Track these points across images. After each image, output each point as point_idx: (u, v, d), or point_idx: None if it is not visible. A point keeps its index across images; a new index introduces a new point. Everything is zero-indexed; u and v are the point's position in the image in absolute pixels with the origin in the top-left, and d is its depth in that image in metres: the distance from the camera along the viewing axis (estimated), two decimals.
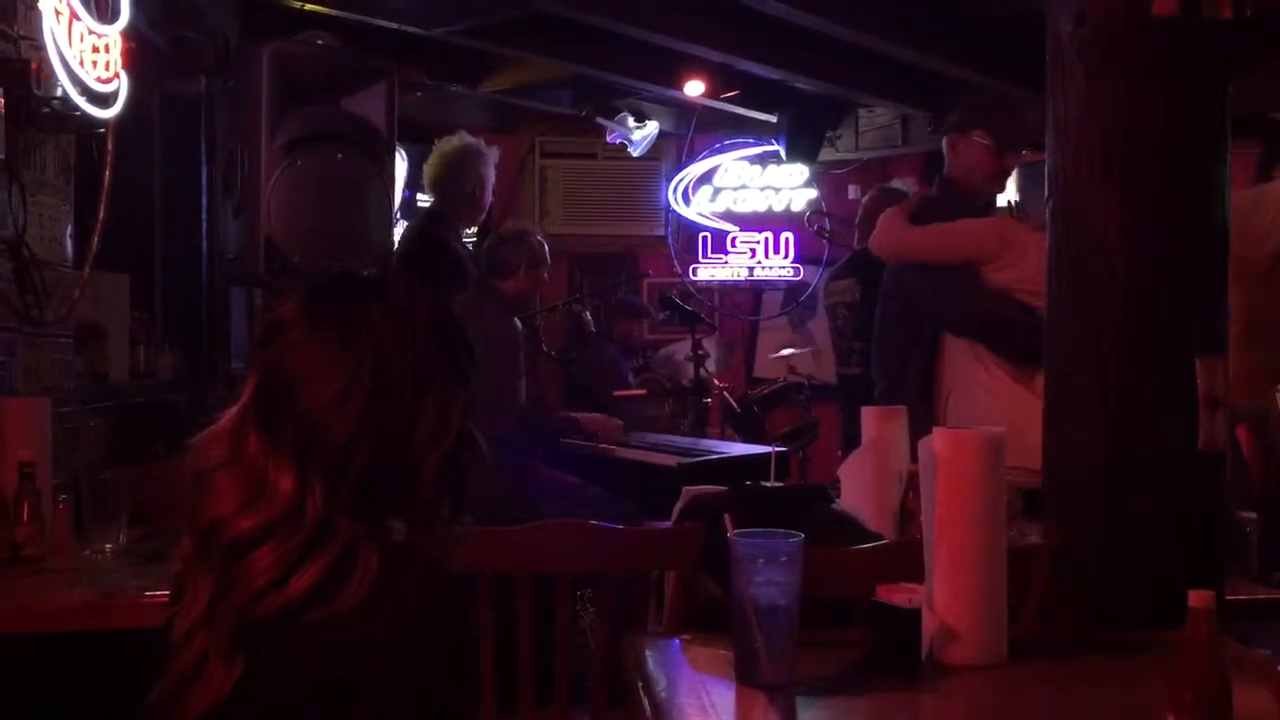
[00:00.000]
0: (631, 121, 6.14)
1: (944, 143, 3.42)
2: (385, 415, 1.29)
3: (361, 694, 1.21)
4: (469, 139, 4.39)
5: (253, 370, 1.33)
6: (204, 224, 3.91)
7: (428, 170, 4.36)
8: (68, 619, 2.14)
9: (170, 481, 1.45)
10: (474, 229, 5.84)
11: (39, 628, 2.15)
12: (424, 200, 5.01)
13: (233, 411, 1.32)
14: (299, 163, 3.12)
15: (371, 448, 1.28)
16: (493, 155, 4.39)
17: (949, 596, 1.65)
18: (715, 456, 4.09)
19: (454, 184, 4.27)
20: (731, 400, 5.53)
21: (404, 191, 5.23)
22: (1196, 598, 1.17)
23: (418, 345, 1.32)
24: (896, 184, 4.79)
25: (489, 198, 4.41)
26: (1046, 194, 2.24)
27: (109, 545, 2.40)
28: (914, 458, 1.96)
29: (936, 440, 1.68)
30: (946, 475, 1.66)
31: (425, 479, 1.32)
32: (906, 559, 1.77)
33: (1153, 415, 2.05)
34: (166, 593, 1.39)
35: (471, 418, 1.36)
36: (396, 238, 4.19)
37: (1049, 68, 2.20)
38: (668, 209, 6.82)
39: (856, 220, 4.68)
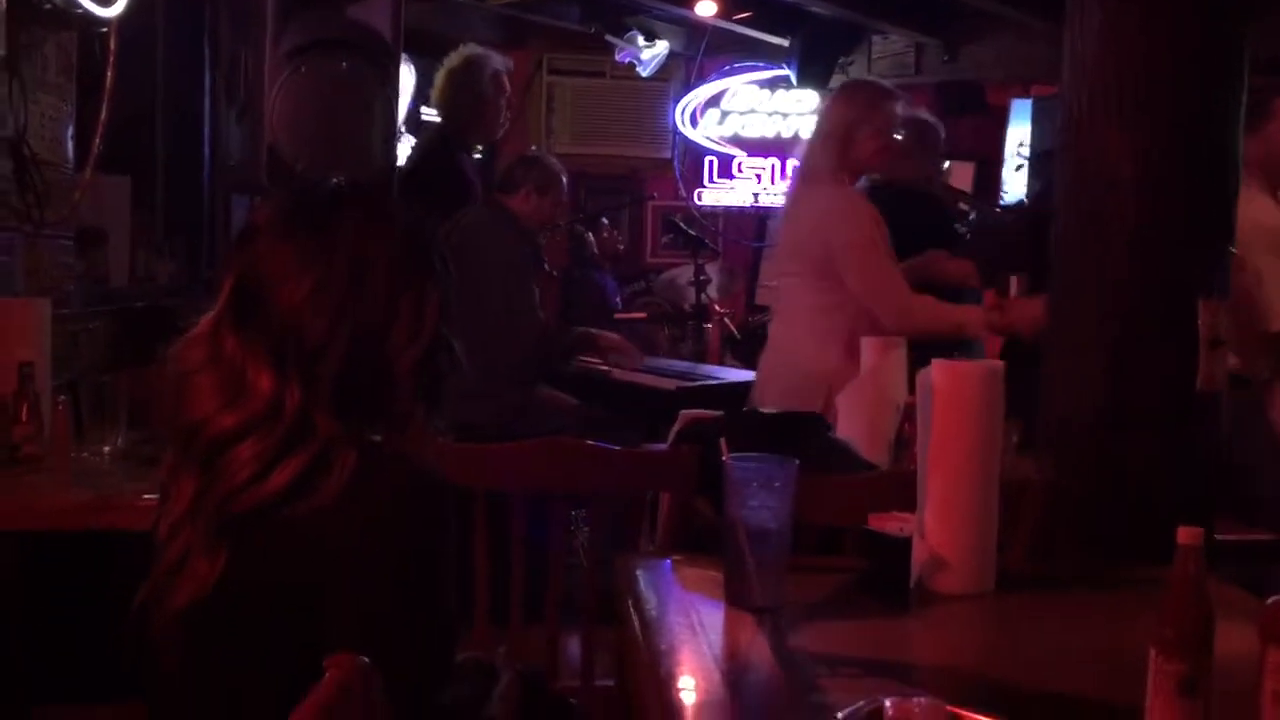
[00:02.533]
0: (641, 40, 6.04)
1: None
2: (359, 313, 1.31)
3: (339, 588, 1.24)
4: (474, 52, 4.28)
5: (228, 273, 1.35)
6: (206, 129, 3.86)
7: (434, 89, 4.30)
8: (65, 518, 2.16)
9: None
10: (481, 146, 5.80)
11: (36, 525, 2.17)
12: (429, 113, 4.96)
13: (209, 316, 1.34)
14: (303, 69, 3.08)
15: (346, 346, 1.30)
16: (496, 66, 4.22)
17: (940, 526, 1.66)
18: (714, 381, 4.09)
19: (457, 99, 4.20)
20: (732, 326, 5.52)
21: (410, 103, 5.17)
22: (1185, 534, 1.17)
23: (391, 246, 1.34)
24: (921, 114, 4.72)
25: (499, 111, 4.30)
26: (1059, 129, 2.22)
27: (107, 448, 2.41)
28: (913, 388, 1.96)
29: (934, 371, 1.68)
30: (943, 406, 1.66)
31: (401, 380, 1.34)
32: (899, 488, 1.78)
33: (1153, 354, 2.05)
34: None
35: (447, 322, 1.37)
36: (401, 150, 4.16)
37: (1068, 3, 2.17)
38: (675, 131, 6.75)
39: None
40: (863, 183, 4.60)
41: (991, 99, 6.35)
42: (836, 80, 6.32)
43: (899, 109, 3.17)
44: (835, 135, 3.06)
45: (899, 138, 3.18)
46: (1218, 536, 1.99)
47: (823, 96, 6.54)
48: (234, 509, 1.27)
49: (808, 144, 3.19)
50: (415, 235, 1.38)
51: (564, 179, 3.96)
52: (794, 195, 3.19)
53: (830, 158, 3.05)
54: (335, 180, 1.40)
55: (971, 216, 4.84)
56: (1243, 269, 2.97)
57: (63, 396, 2.46)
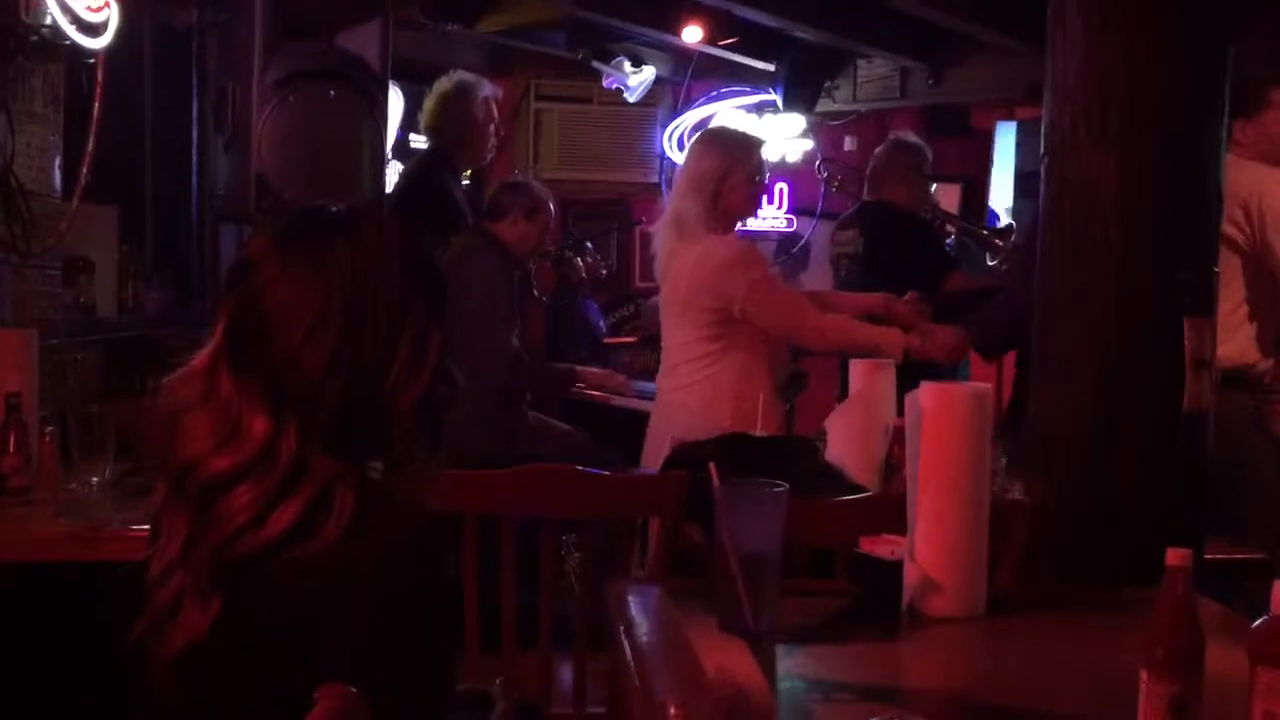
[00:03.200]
0: (628, 66, 6.07)
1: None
2: (359, 351, 1.28)
3: (338, 633, 1.22)
4: (464, 78, 4.33)
5: (223, 310, 1.31)
6: (194, 158, 3.87)
7: (423, 114, 4.35)
8: (54, 549, 2.15)
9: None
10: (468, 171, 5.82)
11: (25, 557, 2.16)
12: (417, 141, 4.98)
13: (205, 352, 1.31)
14: (291, 99, 3.08)
15: (345, 385, 1.27)
16: (486, 92, 4.30)
17: (930, 549, 1.66)
18: None
19: (446, 125, 4.24)
20: None
21: (398, 131, 5.19)
22: (1174, 555, 1.18)
23: (390, 280, 1.30)
24: (909, 136, 4.76)
25: (488, 137, 4.33)
26: (1042, 151, 2.23)
27: (95, 478, 2.39)
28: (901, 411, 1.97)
29: (923, 394, 1.69)
30: (931, 428, 1.66)
31: (401, 416, 1.31)
32: (890, 511, 1.79)
33: (1140, 375, 2.06)
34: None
35: (449, 355, 1.35)
36: (390, 178, 4.18)
37: (1049, 24, 2.19)
38: (663, 156, 6.77)
39: (867, 171, 4.65)
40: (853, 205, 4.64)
41: (976, 122, 6.40)
42: (823, 104, 6.38)
43: (762, 154, 3.24)
44: (705, 185, 3.06)
45: (763, 183, 3.23)
46: (1207, 556, 1.99)
47: (810, 123, 6.61)
48: (229, 555, 1.24)
49: (675, 195, 3.17)
50: (417, 266, 1.34)
51: (551, 203, 3.97)
52: (670, 249, 3.15)
53: (702, 207, 3.05)
54: (334, 209, 1.36)
55: (950, 239, 4.87)
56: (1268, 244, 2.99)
57: (50, 427, 2.45)
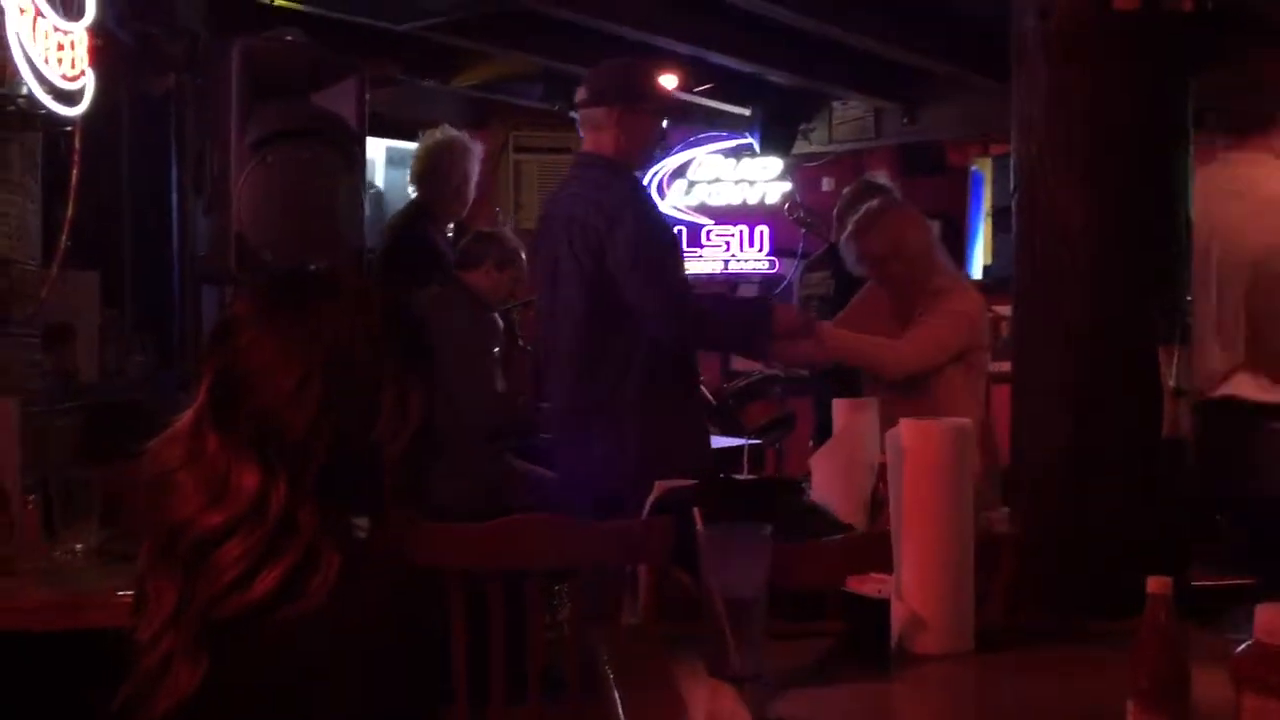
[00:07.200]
0: None
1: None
2: (343, 407, 1.29)
3: (325, 692, 1.22)
4: (452, 133, 4.43)
5: (206, 370, 1.32)
6: (174, 221, 3.89)
7: (412, 164, 4.42)
8: (39, 618, 2.13)
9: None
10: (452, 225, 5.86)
11: (9, 626, 2.14)
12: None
13: (188, 414, 1.31)
14: (269, 159, 3.10)
15: (330, 441, 1.28)
16: (477, 149, 4.42)
17: (916, 586, 1.66)
18: None
19: (437, 178, 4.31)
20: (706, 393, 5.52)
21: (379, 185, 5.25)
22: (1154, 583, 1.18)
23: (372, 336, 1.32)
24: (878, 177, 4.80)
25: (472, 192, 4.43)
26: (1013, 186, 2.26)
27: (79, 546, 2.38)
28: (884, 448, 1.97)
29: (904, 431, 1.69)
30: (913, 465, 1.67)
31: (387, 471, 1.32)
32: (876, 549, 1.78)
33: (1117, 404, 2.07)
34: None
35: (430, 409, 1.36)
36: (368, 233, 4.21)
37: (1013, 60, 2.22)
38: None
39: (835, 212, 4.68)
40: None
41: (952, 159, 6.46)
42: (799, 147, 6.44)
43: None
44: None
45: None
46: (1194, 583, 1.99)
47: (788, 165, 6.66)
48: (218, 614, 1.24)
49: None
50: (398, 322, 1.36)
51: (524, 254, 4.01)
52: None
53: None
54: (313, 268, 1.38)
55: None
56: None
57: (32, 496, 2.44)
